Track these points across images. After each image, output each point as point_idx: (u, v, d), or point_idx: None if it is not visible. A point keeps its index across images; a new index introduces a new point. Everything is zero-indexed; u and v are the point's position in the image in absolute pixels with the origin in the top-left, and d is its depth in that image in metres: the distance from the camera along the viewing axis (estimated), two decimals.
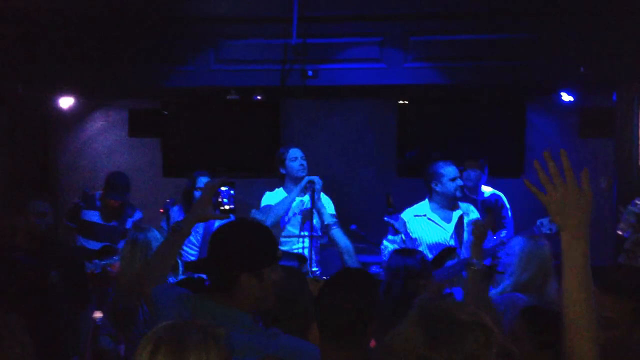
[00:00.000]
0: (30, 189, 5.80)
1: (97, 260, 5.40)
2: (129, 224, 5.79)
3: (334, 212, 5.02)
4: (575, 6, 5.91)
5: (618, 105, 6.03)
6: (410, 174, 7.09)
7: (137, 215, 5.87)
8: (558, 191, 1.84)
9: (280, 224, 4.92)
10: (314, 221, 4.86)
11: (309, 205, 4.87)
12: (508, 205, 5.79)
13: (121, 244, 5.81)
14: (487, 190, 5.88)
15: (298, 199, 4.92)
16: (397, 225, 4.65)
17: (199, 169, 5.60)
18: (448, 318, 1.34)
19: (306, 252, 4.81)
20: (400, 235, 4.64)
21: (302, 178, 4.86)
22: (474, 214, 4.86)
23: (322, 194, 5.03)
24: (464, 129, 7.06)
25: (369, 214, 5.82)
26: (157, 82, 6.30)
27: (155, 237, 3.97)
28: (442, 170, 4.74)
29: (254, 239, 2.36)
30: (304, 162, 4.96)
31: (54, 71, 6.24)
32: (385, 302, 3.25)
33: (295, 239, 4.91)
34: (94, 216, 5.81)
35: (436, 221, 4.78)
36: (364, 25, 6.01)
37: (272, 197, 5.02)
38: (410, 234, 4.80)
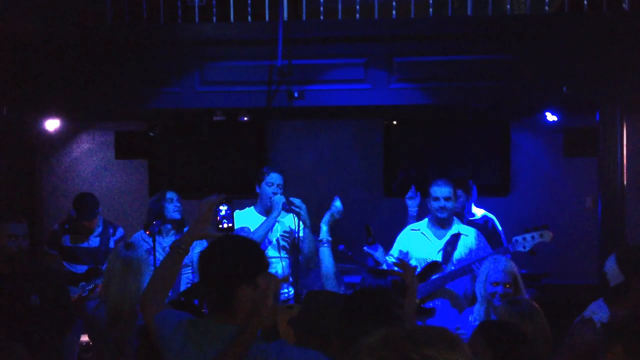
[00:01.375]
0: (7, 212, 5.73)
1: (83, 283, 5.36)
2: (111, 243, 5.74)
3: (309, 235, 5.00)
4: (557, 27, 5.99)
5: (601, 124, 6.08)
6: (397, 194, 7.13)
7: (119, 233, 5.80)
8: None
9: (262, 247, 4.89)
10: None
11: (290, 227, 4.86)
12: (500, 228, 5.79)
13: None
14: (478, 212, 5.88)
15: (281, 219, 4.89)
16: (376, 255, 4.69)
17: (184, 190, 5.55)
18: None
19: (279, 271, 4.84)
20: (383, 265, 4.67)
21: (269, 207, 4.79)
22: (470, 238, 4.86)
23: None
24: (449, 148, 7.12)
25: (356, 235, 5.81)
26: (143, 104, 6.30)
27: (142, 256, 3.91)
28: (430, 190, 4.86)
29: (241, 250, 2.38)
30: (279, 191, 4.84)
31: (39, 93, 6.23)
32: None
33: (276, 260, 4.89)
34: (68, 240, 5.77)
35: (428, 236, 4.88)
36: (348, 47, 6.05)
37: (243, 217, 4.93)
38: (404, 246, 4.90)
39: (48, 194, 7.40)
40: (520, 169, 7.17)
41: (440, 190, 4.81)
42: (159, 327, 2.46)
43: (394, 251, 4.95)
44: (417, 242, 4.89)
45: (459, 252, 4.80)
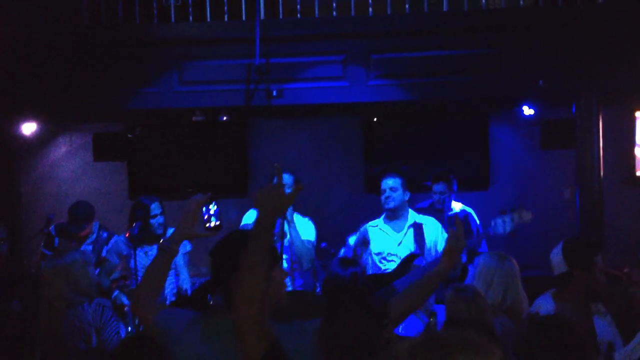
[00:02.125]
0: None
1: None
2: (104, 251, 5.66)
3: (313, 239, 5.02)
4: (533, 21, 6.04)
5: (577, 116, 6.15)
6: (378, 190, 7.14)
7: (113, 241, 5.68)
8: None
9: None
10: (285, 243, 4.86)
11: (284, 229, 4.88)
12: (478, 221, 5.81)
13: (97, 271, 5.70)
14: (457, 206, 5.89)
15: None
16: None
17: (164, 191, 5.48)
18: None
19: None
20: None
21: None
22: (430, 226, 4.92)
23: (307, 218, 5.05)
24: (429, 144, 7.14)
25: (338, 231, 5.82)
26: (121, 105, 6.26)
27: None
28: (380, 184, 4.93)
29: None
30: (287, 191, 4.90)
31: (15, 96, 6.17)
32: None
33: None
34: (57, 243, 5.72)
35: (386, 231, 4.92)
36: (326, 44, 6.06)
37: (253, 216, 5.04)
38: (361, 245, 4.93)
39: (27, 197, 7.32)
40: (500, 163, 7.22)
41: (386, 182, 4.88)
42: (165, 328, 2.42)
43: (351, 242, 4.99)
44: (376, 238, 4.92)
45: (429, 240, 4.84)
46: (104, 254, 5.53)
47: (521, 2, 6.15)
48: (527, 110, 6.54)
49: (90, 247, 5.63)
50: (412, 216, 4.94)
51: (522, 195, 7.12)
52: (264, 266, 2.12)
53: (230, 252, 2.33)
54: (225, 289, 2.35)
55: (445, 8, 6.14)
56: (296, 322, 2.39)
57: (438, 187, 5.73)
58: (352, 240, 5.00)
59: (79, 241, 5.62)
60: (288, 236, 4.83)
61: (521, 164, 7.24)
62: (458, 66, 6.06)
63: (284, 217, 4.79)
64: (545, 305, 3.31)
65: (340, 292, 2.47)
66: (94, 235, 5.67)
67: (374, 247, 4.89)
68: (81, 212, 5.55)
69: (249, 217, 5.09)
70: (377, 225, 4.97)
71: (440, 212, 5.55)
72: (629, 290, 3.82)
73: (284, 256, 4.87)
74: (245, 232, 2.48)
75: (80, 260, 3.86)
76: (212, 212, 2.63)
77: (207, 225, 2.64)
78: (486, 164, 7.14)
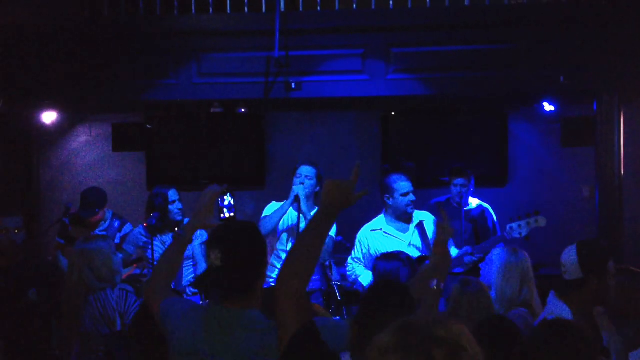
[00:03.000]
0: (2, 205, 5.71)
1: None
2: (117, 238, 5.70)
3: (333, 234, 4.95)
4: (554, 17, 5.98)
5: (598, 114, 6.08)
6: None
7: (127, 228, 5.72)
8: None
9: (277, 233, 5.01)
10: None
11: (295, 222, 4.87)
12: (495, 218, 5.77)
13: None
14: (473, 202, 5.85)
15: (294, 213, 4.91)
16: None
17: (182, 182, 5.51)
18: (423, 331, 1.35)
19: None
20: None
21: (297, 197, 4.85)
22: (427, 219, 4.87)
23: None
24: (447, 139, 7.11)
25: (355, 225, 5.82)
26: (140, 96, 6.29)
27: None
28: (394, 185, 4.76)
29: (258, 238, 2.41)
30: (306, 182, 4.90)
31: (36, 86, 6.22)
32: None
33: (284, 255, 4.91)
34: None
35: (392, 234, 4.79)
36: (345, 38, 6.05)
37: (275, 208, 5.06)
38: (369, 249, 4.79)
39: (45, 187, 7.38)
40: (518, 160, 7.17)
41: (408, 185, 4.73)
42: (166, 314, 2.47)
43: (358, 254, 4.85)
44: (382, 242, 4.74)
45: (430, 234, 4.78)
46: (116, 241, 5.59)
47: None
48: (548, 107, 6.48)
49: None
50: (416, 215, 4.84)
51: (540, 192, 7.07)
52: (318, 248, 2.14)
53: (250, 251, 2.35)
54: (225, 279, 2.34)
55: (466, 2, 6.09)
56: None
57: (456, 182, 5.69)
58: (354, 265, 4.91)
59: (91, 228, 5.65)
60: None
61: (540, 161, 7.18)
62: (478, 61, 6.02)
63: (301, 212, 4.79)
64: (558, 310, 3.23)
65: (385, 286, 2.46)
66: (107, 223, 5.70)
67: (384, 250, 4.65)
68: (92, 197, 5.58)
69: (270, 208, 5.09)
70: (380, 229, 4.81)
71: (457, 207, 5.52)
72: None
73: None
74: (244, 223, 2.48)
75: (105, 249, 3.92)
76: (226, 203, 2.66)
77: (221, 216, 2.66)
78: (504, 161, 7.08)
